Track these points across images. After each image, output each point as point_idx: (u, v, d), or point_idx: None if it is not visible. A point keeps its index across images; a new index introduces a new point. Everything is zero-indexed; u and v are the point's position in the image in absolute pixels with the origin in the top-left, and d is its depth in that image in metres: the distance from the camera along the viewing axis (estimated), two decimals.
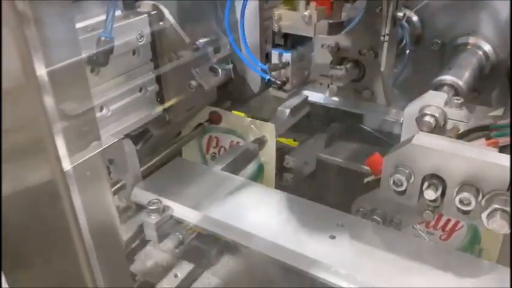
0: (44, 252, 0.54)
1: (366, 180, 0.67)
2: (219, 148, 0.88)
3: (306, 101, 0.93)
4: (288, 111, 0.88)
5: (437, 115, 0.58)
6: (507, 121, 0.57)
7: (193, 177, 0.74)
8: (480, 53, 0.77)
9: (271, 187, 0.85)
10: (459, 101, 0.59)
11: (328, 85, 0.75)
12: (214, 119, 0.89)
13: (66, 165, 0.43)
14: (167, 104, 0.72)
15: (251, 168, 0.84)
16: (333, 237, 0.61)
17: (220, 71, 0.72)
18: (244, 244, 0.62)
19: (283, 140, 0.89)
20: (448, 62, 0.74)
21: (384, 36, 0.72)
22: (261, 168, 0.85)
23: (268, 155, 0.84)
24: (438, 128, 0.59)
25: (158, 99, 0.72)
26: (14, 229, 0.53)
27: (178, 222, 0.68)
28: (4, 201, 0.49)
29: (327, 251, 0.59)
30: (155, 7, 0.66)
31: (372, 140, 0.99)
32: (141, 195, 0.71)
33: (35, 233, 0.52)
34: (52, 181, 0.44)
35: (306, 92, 0.96)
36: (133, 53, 0.66)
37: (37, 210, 0.49)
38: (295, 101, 0.91)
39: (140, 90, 0.68)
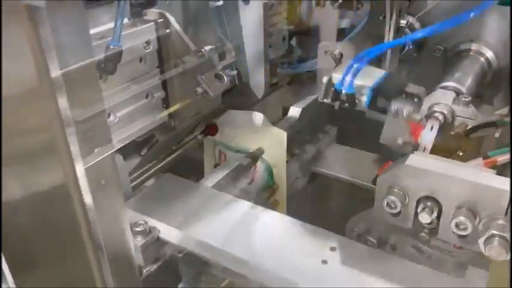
0: (53, 254, 0.54)
1: None
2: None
3: (316, 101, 0.93)
4: (299, 110, 0.88)
5: (446, 112, 0.59)
6: None
7: (183, 195, 0.72)
8: (482, 59, 0.78)
9: (283, 199, 0.84)
10: (467, 99, 0.60)
11: None
12: (210, 130, 0.88)
13: (79, 167, 0.44)
14: (172, 109, 0.73)
15: (262, 179, 0.83)
16: (324, 262, 0.59)
17: (225, 77, 0.73)
18: (233, 270, 0.60)
19: None
20: (451, 68, 0.75)
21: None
22: (271, 179, 0.84)
23: (279, 165, 0.83)
24: (447, 125, 0.59)
25: (164, 106, 0.72)
26: (23, 231, 0.53)
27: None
28: (16, 203, 0.50)
29: (319, 277, 0.57)
30: (161, 15, 0.67)
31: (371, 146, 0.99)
32: (128, 214, 0.65)
33: (44, 235, 0.52)
34: (64, 184, 0.45)
35: None
36: (140, 60, 0.66)
37: (48, 212, 0.50)
38: (305, 101, 0.91)
39: (147, 97, 0.69)
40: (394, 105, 0.63)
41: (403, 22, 0.73)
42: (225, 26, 0.77)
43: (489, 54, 0.77)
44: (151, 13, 0.67)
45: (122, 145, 0.65)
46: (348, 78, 0.64)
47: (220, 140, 0.87)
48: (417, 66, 0.85)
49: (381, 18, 0.73)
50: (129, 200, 0.71)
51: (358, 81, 0.64)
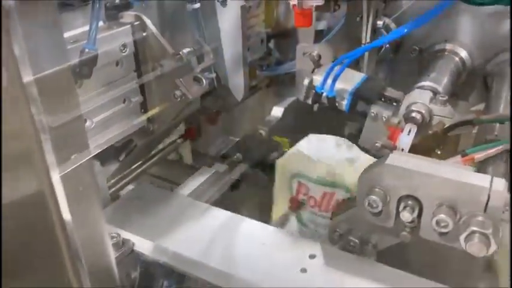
0: (30, 265, 0.53)
1: None
2: (309, 197, 0.72)
3: (296, 101, 0.92)
4: (282, 110, 0.87)
5: (423, 111, 0.60)
6: (490, 116, 0.58)
7: (159, 205, 0.70)
8: (457, 59, 0.79)
9: None
10: (443, 98, 0.61)
11: None
12: (190, 134, 0.86)
13: (55, 174, 0.43)
14: (151, 113, 0.72)
15: None
16: (304, 270, 0.58)
17: (204, 80, 0.72)
18: (210, 281, 0.58)
19: (276, 138, 0.85)
20: (427, 68, 0.76)
21: (365, 44, 0.74)
22: None
23: None
24: (425, 124, 0.61)
25: (142, 110, 0.71)
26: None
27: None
28: None
29: (297, 286, 0.56)
30: (138, 18, 0.66)
31: None
32: None
33: (19, 245, 0.51)
34: (40, 192, 0.44)
35: None
36: (117, 64, 0.65)
37: (24, 221, 0.48)
38: (287, 102, 0.90)
39: (124, 102, 0.68)
40: (373, 109, 0.64)
41: (379, 23, 0.74)
42: (203, 28, 0.76)
43: (463, 53, 0.79)
44: (128, 16, 0.66)
45: (99, 151, 0.64)
46: (329, 81, 0.64)
47: (302, 170, 0.71)
48: (394, 67, 0.86)
49: (357, 19, 0.74)
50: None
51: (339, 85, 0.65)
